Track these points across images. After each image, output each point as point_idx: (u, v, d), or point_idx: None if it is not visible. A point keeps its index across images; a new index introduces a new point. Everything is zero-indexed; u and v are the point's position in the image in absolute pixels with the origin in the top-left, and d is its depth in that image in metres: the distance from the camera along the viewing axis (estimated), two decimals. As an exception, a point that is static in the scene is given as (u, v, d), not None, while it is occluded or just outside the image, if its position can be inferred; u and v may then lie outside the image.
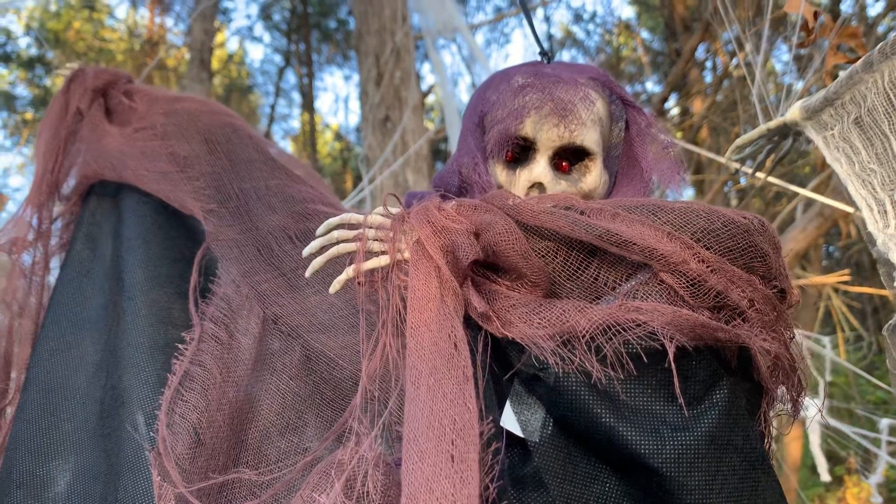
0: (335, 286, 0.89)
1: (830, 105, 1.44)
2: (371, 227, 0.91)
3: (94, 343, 1.14)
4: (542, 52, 1.21)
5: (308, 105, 13.51)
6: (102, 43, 13.37)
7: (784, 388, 0.89)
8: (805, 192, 3.18)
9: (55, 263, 1.35)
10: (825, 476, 3.03)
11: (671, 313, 0.79)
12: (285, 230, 1.18)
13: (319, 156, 16.31)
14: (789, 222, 5.88)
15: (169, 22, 13.52)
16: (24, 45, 13.24)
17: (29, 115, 14.28)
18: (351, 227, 0.93)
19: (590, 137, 1.08)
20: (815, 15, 1.61)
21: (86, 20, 13.84)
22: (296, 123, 17.07)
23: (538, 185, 1.08)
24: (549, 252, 0.87)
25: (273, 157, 1.30)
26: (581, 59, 16.39)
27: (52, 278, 1.33)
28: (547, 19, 15.34)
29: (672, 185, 1.09)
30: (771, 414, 0.91)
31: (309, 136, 13.88)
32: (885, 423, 3.30)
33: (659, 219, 0.86)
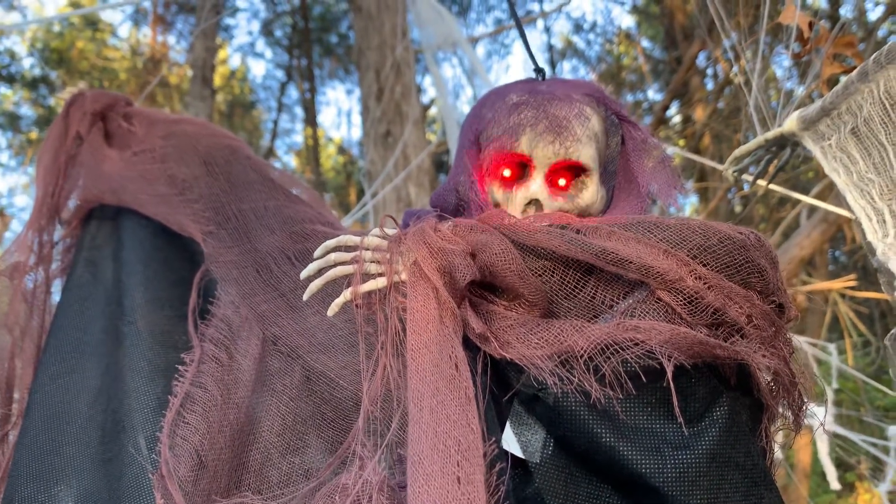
0: (333, 309, 0.89)
1: (827, 115, 1.44)
2: (368, 249, 0.91)
3: (95, 367, 1.15)
4: (537, 69, 1.21)
5: (311, 120, 13.55)
6: (105, 62, 13.45)
7: (785, 402, 0.88)
8: (807, 199, 3.18)
9: (56, 287, 1.35)
10: (835, 484, 3.01)
11: (669, 331, 0.79)
12: (284, 251, 1.19)
13: (323, 170, 16.36)
14: (794, 228, 5.87)
15: (171, 40, 13.60)
16: (28, 65, 13.33)
17: (33, 134, 14.36)
18: (348, 249, 0.93)
19: (585, 153, 1.08)
20: (811, 25, 1.62)
21: (89, 39, 13.93)
22: (299, 138, 17.12)
23: (535, 202, 1.08)
24: (545, 271, 0.87)
25: (271, 178, 1.30)
26: (582, 69, 16.44)
27: (54, 302, 1.34)
28: (547, 30, 15.39)
29: (670, 198, 1.09)
30: (772, 429, 0.91)
31: (312, 151, 13.91)
32: (893, 430, 3.28)
33: (655, 236, 0.86)
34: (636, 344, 0.78)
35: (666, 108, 11.02)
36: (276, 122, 15.03)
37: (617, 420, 0.80)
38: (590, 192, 1.10)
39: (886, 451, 3.37)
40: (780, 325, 0.87)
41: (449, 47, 4.34)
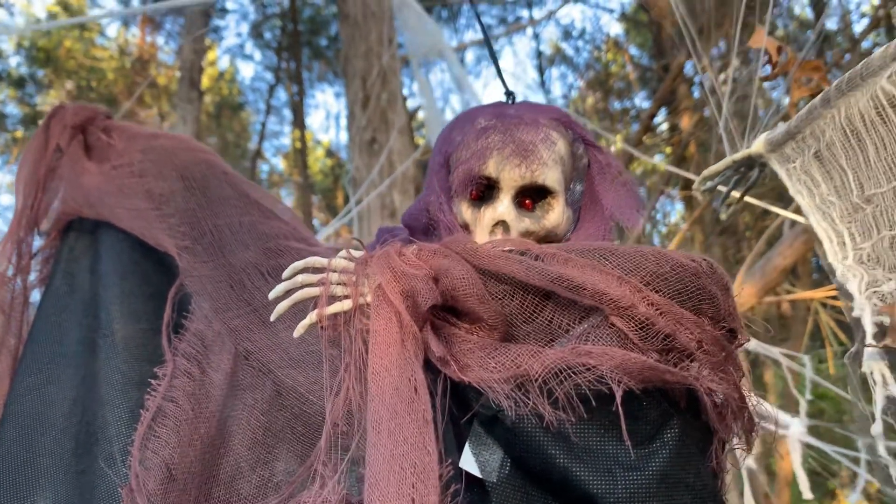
0: (299, 330, 0.92)
1: (792, 139, 1.48)
2: (335, 272, 0.94)
3: (71, 379, 1.17)
4: (508, 93, 1.25)
5: (299, 122, 13.55)
6: (93, 61, 13.40)
7: (736, 424, 0.92)
8: (786, 214, 3.23)
9: (35, 298, 1.37)
10: (807, 494, 3.05)
11: (620, 357, 0.82)
12: (257, 266, 1.21)
13: (311, 172, 16.35)
14: (778, 237, 5.93)
15: (160, 40, 13.57)
16: (15, 63, 13.27)
17: (19, 133, 14.28)
18: (316, 270, 0.96)
19: (551, 176, 1.12)
20: (779, 49, 1.66)
21: (77, 39, 13.87)
22: (287, 140, 17.11)
23: (502, 223, 1.11)
24: (505, 295, 0.90)
25: (247, 194, 1.33)
26: (570, 76, 16.49)
27: (32, 313, 1.35)
28: (536, 36, 15.45)
29: (631, 220, 1.13)
30: (725, 451, 0.94)
31: (300, 154, 13.90)
32: (861, 442, 3.33)
33: (610, 263, 0.89)
34: (588, 369, 0.81)
35: (653, 115, 11.10)
36: (263, 125, 15.02)
37: (570, 442, 0.83)
38: (556, 213, 1.14)
39: (858, 461, 3.42)
40: (731, 350, 0.91)
41: (434, 55, 4.38)
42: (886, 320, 1.28)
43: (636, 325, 0.86)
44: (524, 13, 14.55)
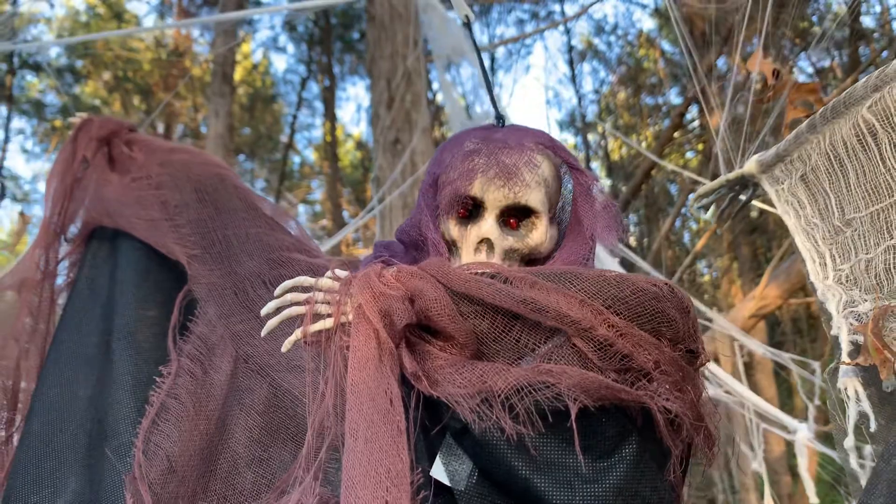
0: (286, 345, 1.00)
1: (781, 161, 1.53)
2: (321, 291, 1.02)
3: (88, 378, 1.26)
4: (498, 117, 1.32)
5: (329, 115, 13.68)
6: (130, 53, 13.65)
7: (695, 440, 0.98)
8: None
9: (61, 301, 1.47)
10: (813, 499, 3.09)
11: (578, 376, 0.89)
12: (260, 275, 1.30)
13: (342, 165, 16.49)
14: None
15: (195, 32, 13.77)
16: (55, 54, 13.57)
17: (58, 122, 14.62)
18: (304, 289, 1.04)
19: (534, 197, 1.19)
20: (775, 72, 1.70)
21: (114, 30, 14.13)
22: (319, 133, 17.26)
23: (486, 241, 1.19)
24: (477, 315, 0.98)
25: (256, 206, 1.42)
26: (602, 71, 16.42)
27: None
28: (567, 31, 15.42)
29: (609, 241, 1.20)
30: (685, 466, 1.01)
31: (330, 146, 14.04)
32: (868, 449, 3.33)
33: (574, 287, 0.96)
34: (547, 386, 0.88)
35: (683, 113, 11.04)
36: (294, 117, 15.18)
37: (532, 454, 0.90)
38: (539, 232, 1.21)
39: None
40: (689, 370, 0.97)
41: (458, 57, 4.45)
42: (861, 339, 1.33)
43: (596, 346, 0.92)
44: (556, 8, 14.51)
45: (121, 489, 1.09)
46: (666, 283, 0.99)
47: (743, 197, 1.67)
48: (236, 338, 1.24)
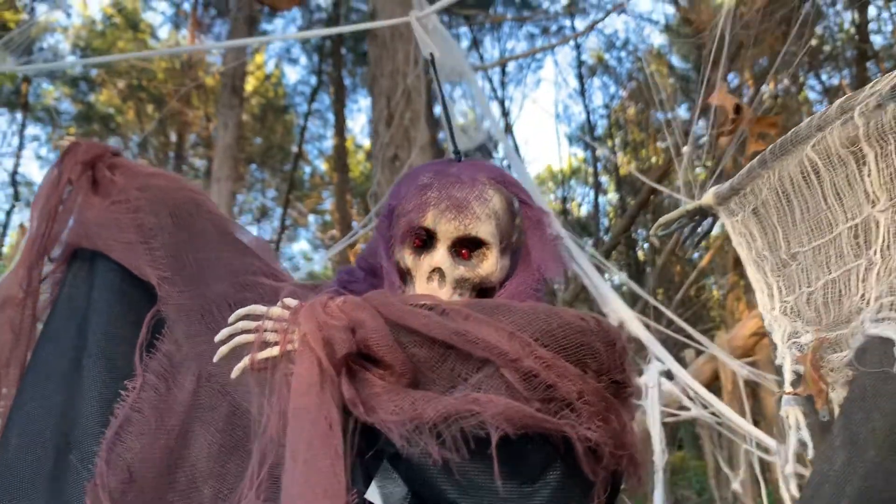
0: (235, 372, 1.08)
1: (736, 194, 1.59)
2: (270, 319, 1.09)
3: (61, 393, 1.33)
4: (455, 152, 1.39)
5: (339, 126, 13.81)
6: (144, 62, 13.85)
7: (620, 468, 1.04)
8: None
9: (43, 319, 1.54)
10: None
11: (503, 405, 0.95)
12: (226, 298, 1.36)
13: (352, 176, 16.61)
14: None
15: (209, 42, 13.94)
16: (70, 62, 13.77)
17: (72, 129, 14.82)
18: (256, 317, 1.11)
19: (484, 230, 1.26)
20: (737, 107, 1.76)
21: (129, 40, 14.35)
22: (330, 143, 17.39)
23: (438, 270, 1.26)
24: (415, 344, 1.04)
25: (228, 232, 1.49)
26: (612, 86, 16.47)
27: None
28: (577, 47, 15.50)
29: (554, 274, 1.27)
30: (611, 492, 1.06)
31: (339, 157, 14.16)
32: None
33: (505, 319, 1.02)
34: (473, 415, 0.95)
35: (689, 129, 11.07)
36: (303, 128, 15.32)
37: (460, 479, 0.97)
38: (489, 262, 1.28)
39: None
40: (612, 400, 1.03)
41: (457, 77, 4.52)
42: (802, 369, 1.38)
43: (522, 377, 0.99)
44: (567, 23, 14.60)
45: (83, 498, 1.16)
46: (594, 318, 1.05)
47: (705, 226, 1.73)
48: (200, 357, 1.31)
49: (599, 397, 1.01)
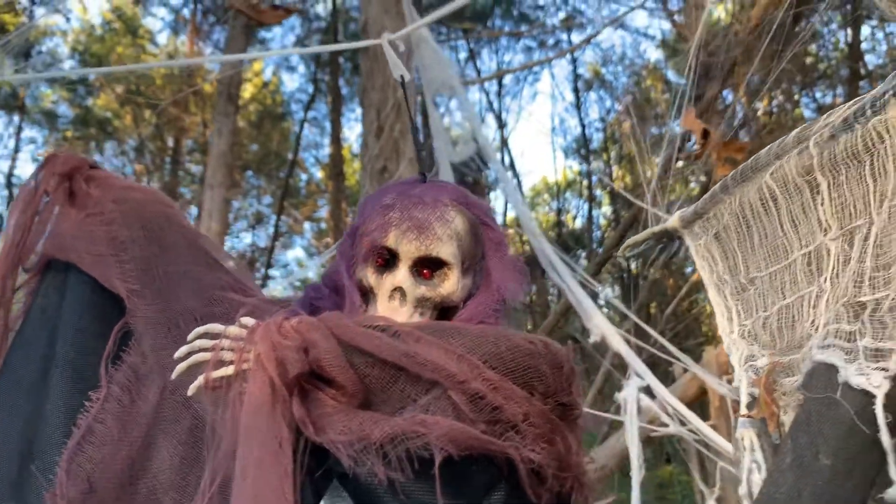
0: (191, 390, 1.10)
1: (700, 218, 1.62)
2: (227, 338, 1.12)
3: (29, 402, 1.35)
4: (421, 173, 1.42)
5: (335, 135, 13.86)
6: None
7: (565, 489, 1.07)
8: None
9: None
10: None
11: (448, 427, 0.98)
12: (193, 312, 1.39)
13: (348, 184, 16.65)
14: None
15: (207, 50, 13.99)
16: (68, 66, 13.83)
17: (69, 132, 14.85)
18: (214, 336, 1.14)
19: (445, 250, 1.29)
20: (704, 132, 1.79)
21: (129, 45, 14.39)
22: (327, 151, 17.44)
23: (399, 290, 1.29)
24: (367, 365, 1.07)
25: (199, 246, 1.51)
26: (608, 101, 16.55)
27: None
28: (574, 60, 15.58)
29: (514, 295, 1.29)
30: None
31: (335, 166, 14.20)
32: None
33: (455, 342, 1.05)
34: (418, 436, 0.98)
35: (685, 142, 11.13)
36: (299, 135, 15.36)
37: (406, 498, 0.99)
38: (450, 282, 1.31)
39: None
40: (557, 423, 1.06)
41: (446, 91, 4.57)
42: (757, 392, 1.41)
43: (468, 399, 1.02)
44: (563, 37, 14.68)
45: None
46: (542, 341, 1.08)
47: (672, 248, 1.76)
48: (165, 370, 1.33)
49: (545, 419, 1.04)
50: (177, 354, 1.13)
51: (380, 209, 1.31)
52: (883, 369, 1.08)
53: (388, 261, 1.31)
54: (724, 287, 1.55)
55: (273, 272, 16.67)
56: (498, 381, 1.02)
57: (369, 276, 1.31)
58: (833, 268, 1.25)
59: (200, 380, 1.09)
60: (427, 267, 1.30)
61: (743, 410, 1.43)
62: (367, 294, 1.33)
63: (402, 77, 1.67)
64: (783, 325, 1.38)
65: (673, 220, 1.68)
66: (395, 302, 1.28)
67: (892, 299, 1.08)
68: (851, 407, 1.11)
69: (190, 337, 1.14)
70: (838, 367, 1.13)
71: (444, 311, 1.33)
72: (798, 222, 1.35)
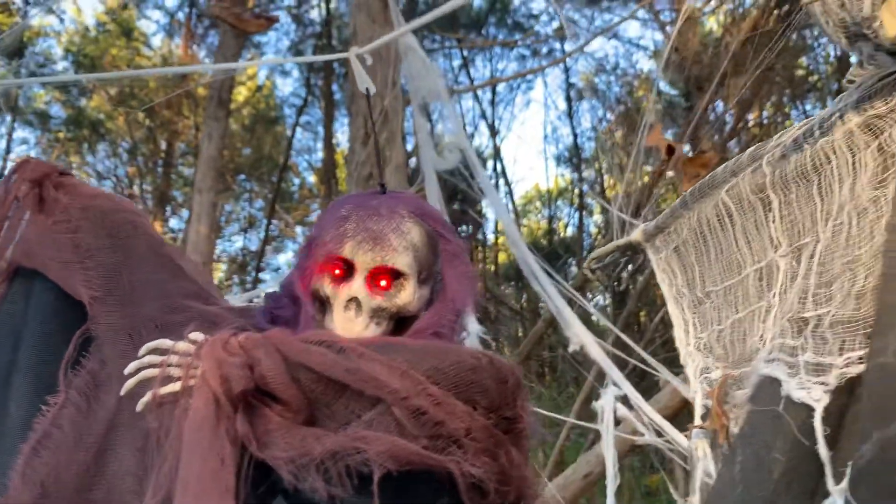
0: (140, 406, 1.12)
1: (661, 232, 1.65)
2: (176, 354, 1.14)
3: None
4: (381, 185, 1.44)
5: (327, 140, 13.88)
6: (137, 69, 13.88)
7: (506, 501, 1.08)
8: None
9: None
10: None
11: (388, 442, 1.00)
12: (154, 320, 1.40)
13: (341, 188, 16.66)
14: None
15: (201, 53, 14.01)
16: (61, 68, 13.82)
17: (62, 133, 14.84)
18: (163, 352, 1.16)
19: (401, 261, 1.31)
20: (669, 148, 1.82)
21: (122, 48, 14.40)
22: (320, 156, 17.45)
23: (355, 300, 1.31)
24: (312, 381, 1.09)
25: (164, 254, 1.52)
26: (601, 110, 16.62)
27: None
28: (566, 70, 15.63)
29: (467, 307, 1.31)
30: None
31: (328, 170, 14.22)
32: None
33: (399, 357, 1.07)
34: (359, 452, 1.00)
35: (671, 154, 11.20)
36: (290, 139, 15.38)
37: None
38: (406, 293, 1.33)
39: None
40: (500, 437, 1.08)
41: (434, 99, 4.59)
42: (710, 403, 1.43)
43: (411, 414, 1.04)
44: (557, 46, 14.75)
45: None
46: (487, 356, 1.10)
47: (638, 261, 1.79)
48: (123, 377, 1.34)
49: (487, 434, 1.06)
50: (126, 370, 1.16)
51: (336, 220, 1.33)
52: (823, 384, 1.10)
53: (344, 271, 1.33)
54: (682, 300, 1.57)
55: (264, 276, 16.65)
56: (441, 396, 1.04)
57: (326, 286, 1.33)
58: (782, 283, 1.28)
59: (148, 395, 1.11)
60: (382, 278, 1.32)
61: (697, 421, 1.46)
62: (323, 304, 1.34)
63: (367, 90, 1.69)
64: (735, 339, 1.40)
65: (636, 234, 1.70)
66: (350, 312, 1.30)
67: (833, 315, 1.11)
68: (793, 420, 1.14)
69: (140, 352, 1.16)
70: (781, 381, 1.16)
71: (401, 321, 1.35)
72: (751, 238, 1.38)
